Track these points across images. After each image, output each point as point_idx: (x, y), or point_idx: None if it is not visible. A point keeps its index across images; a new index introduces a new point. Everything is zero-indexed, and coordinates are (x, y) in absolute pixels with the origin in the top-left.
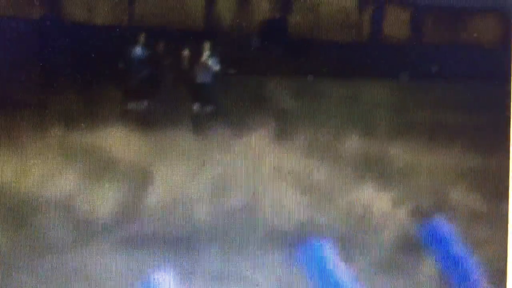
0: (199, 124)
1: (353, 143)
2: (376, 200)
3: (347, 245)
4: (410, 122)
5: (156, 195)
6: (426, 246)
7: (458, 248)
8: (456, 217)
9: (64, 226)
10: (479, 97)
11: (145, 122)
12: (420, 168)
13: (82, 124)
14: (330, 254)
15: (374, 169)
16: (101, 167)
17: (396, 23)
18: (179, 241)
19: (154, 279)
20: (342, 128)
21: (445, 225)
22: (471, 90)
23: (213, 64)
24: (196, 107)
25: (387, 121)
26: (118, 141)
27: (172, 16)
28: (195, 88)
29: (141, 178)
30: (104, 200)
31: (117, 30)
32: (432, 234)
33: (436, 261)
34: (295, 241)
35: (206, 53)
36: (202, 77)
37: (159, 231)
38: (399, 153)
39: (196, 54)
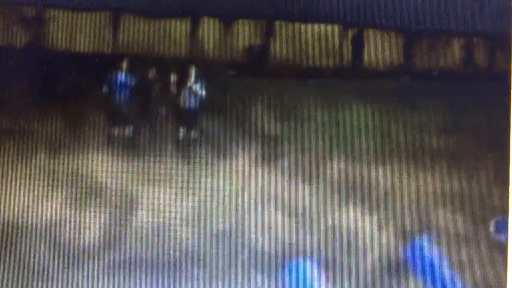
0: (184, 149)
1: (337, 167)
2: (360, 223)
3: (333, 268)
4: (394, 145)
5: (141, 220)
6: (411, 268)
7: (443, 269)
8: (440, 239)
9: (50, 253)
10: (461, 121)
11: (130, 148)
12: (404, 190)
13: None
14: (315, 276)
15: (358, 192)
16: (86, 193)
17: (378, 49)
18: (165, 266)
19: None
20: (326, 152)
21: (429, 246)
22: (453, 114)
23: (197, 90)
24: (180, 132)
25: (370, 145)
26: (103, 167)
27: (156, 43)
28: (180, 114)
29: (126, 204)
30: (90, 226)
31: (96, 59)
32: (417, 256)
33: (421, 283)
34: (281, 264)
35: (190, 79)
36: (186, 103)
37: (145, 256)
38: (383, 176)
39: (181, 80)
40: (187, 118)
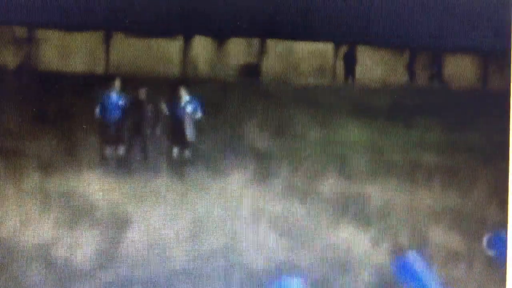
0: (177, 168)
1: (330, 184)
2: (355, 240)
3: (327, 286)
4: (388, 162)
5: (134, 239)
6: (401, 282)
7: (433, 283)
8: (435, 255)
9: (43, 272)
10: (456, 138)
11: (123, 167)
12: (399, 207)
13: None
14: None
15: (352, 209)
16: (79, 213)
17: (371, 66)
18: (159, 284)
19: None
20: (320, 170)
21: (418, 261)
22: (448, 131)
23: (190, 109)
24: (173, 151)
25: (364, 162)
26: (96, 186)
27: (148, 63)
28: (173, 133)
29: (119, 223)
30: (83, 245)
31: (88, 80)
32: (406, 270)
33: None
34: (275, 282)
35: (183, 98)
36: (179, 122)
37: (138, 275)
38: (377, 193)
39: (173, 99)
40: (179, 137)
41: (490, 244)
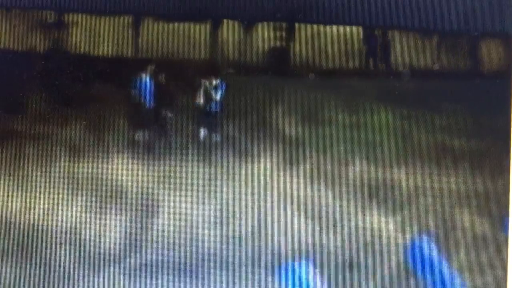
0: (205, 152)
1: (358, 169)
2: (382, 225)
3: (354, 270)
4: (415, 147)
5: (163, 223)
6: (411, 268)
7: (443, 269)
8: (461, 240)
9: (72, 256)
10: (482, 123)
11: (151, 152)
12: (426, 192)
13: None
14: (311, 277)
15: (380, 194)
16: (108, 197)
17: (400, 50)
18: (187, 269)
19: None
20: (347, 154)
21: (428, 247)
22: (474, 116)
23: (219, 93)
24: (202, 135)
25: (391, 147)
26: (124, 170)
27: (177, 46)
28: (201, 117)
29: (148, 207)
30: (111, 230)
31: (118, 64)
32: (416, 256)
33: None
34: (302, 267)
35: (212, 82)
36: (208, 106)
37: (166, 259)
38: (405, 178)
39: (202, 83)
40: (208, 121)
41: (504, 226)
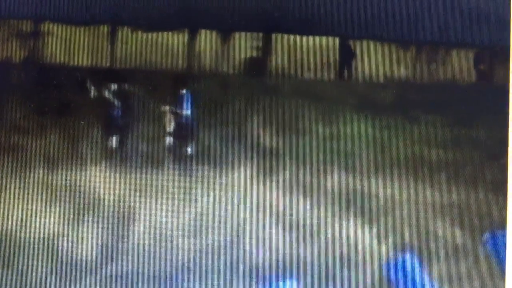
0: (181, 162)
1: (335, 179)
2: (359, 235)
3: (331, 281)
4: (392, 158)
5: (139, 233)
6: (392, 282)
7: (425, 284)
8: (437, 251)
9: (47, 266)
10: (460, 133)
11: (127, 161)
12: (403, 203)
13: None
14: None
15: (357, 204)
16: (84, 207)
17: (376, 61)
18: (163, 279)
19: None
20: (325, 164)
21: (411, 264)
22: (451, 126)
23: (195, 103)
24: (178, 145)
25: (368, 157)
26: (100, 180)
27: (153, 56)
28: (177, 127)
29: (124, 217)
30: (88, 239)
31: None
32: (399, 274)
33: None
34: (279, 277)
35: (186, 92)
36: (184, 116)
37: (143, 269)
38: (382, 188)
39: (178, 93)
40: (184, 131)
41: (487, 242)
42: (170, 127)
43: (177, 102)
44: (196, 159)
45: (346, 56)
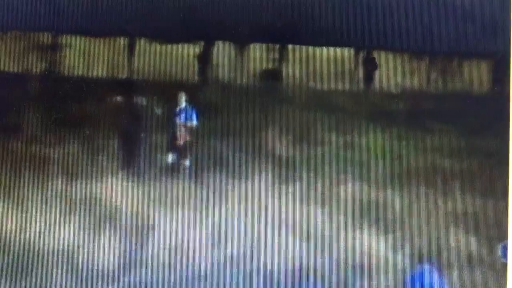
0: (197, 173)
1: (350, 190)
2: (374, 245)
3: None
4: (407, 168)
5: (157, 244)
6: None
7: None
8: (453, 260)
9: (66, 276)
10: (473, 143)
11: (145, 173)
12: (418, 212)
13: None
14: None
15: (372, 214)
16: (102, 217)
17: (391, 71)
18: None
19: None
20: (339, 174)
21: (431, 275)
22: (465, 136)
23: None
24: (194, 157)
25: (383, 167)
26: (118, 191)
27: (169, 68)
28: (193, 139)
29: (141, 228)
30: (106, 250)
31: (112, 85)
32: (419, 282)
33: None
34: (295, 287)
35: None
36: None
37: (160, 280)
38: (397, 198)
39: (193, 103)
40: (200, 141)
41: (505, 252)
42: (183, 139)
43: (191, 113)
44: (212, 170)
45: (360, 66)
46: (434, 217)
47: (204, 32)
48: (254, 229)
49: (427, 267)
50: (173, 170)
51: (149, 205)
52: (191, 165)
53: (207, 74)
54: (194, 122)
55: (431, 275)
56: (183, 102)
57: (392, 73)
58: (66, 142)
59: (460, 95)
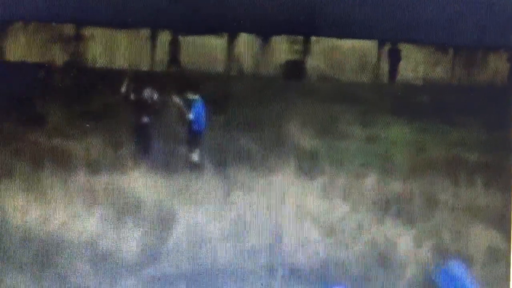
0: (220, 166)
1: (373, 183)
2: (398, 239)
3: (370, 283)
4: (430, 160)
5: (179, 236)
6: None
7: None
8: (475, 254)
9: (89, 268)
10: (497, 136)
11: (168, 164)
12: (441, 206)
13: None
14: None
15: (395, 208)
16: (125, 209)
17: (415, 64)
18: (203, 281)
19: None
20: (363, 167)
21: (460, 271)
22: (489, 129)
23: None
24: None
25: (407, 160)
26: (141, 183)
27: (194, 60)
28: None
29: (164, 220)
30: (128, 242)
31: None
32: (448, 277)
33: None
34: (318, 280)
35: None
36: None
37: (182, 271)
38: (420, 191)
39: (218, 96)
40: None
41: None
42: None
43: (197, 107)
44: (235, 162)
45: (384, 59)
46: (457, 210)
47: (228, 24)
48: (277, 221)
49: (455, 263)
50: (195, 163)
51: (171, 198)
52: (213, 158)
53: (231, 66)
54: (190, 116)
55: (460, 271)
56: (195, 96)
57: (416, 65)
58: (88, 134)
59: (484, 87)
